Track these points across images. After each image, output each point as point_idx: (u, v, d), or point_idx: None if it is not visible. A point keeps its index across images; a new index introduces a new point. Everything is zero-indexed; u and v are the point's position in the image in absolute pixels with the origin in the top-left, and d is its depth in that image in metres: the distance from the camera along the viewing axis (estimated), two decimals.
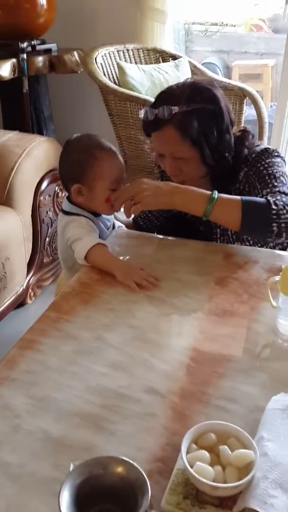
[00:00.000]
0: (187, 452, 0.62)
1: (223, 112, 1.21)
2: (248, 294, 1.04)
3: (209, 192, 1.13)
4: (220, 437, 0.64)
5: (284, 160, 1.27)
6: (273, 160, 1.24)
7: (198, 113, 1.17)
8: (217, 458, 0.62)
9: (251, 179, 1.25)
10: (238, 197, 1.12)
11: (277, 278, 0.92)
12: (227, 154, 1.23)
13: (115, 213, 1.27)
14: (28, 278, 2.06)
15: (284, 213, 1.09)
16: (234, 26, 4.36)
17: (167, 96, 1.21)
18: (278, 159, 1.25)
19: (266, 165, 1.23)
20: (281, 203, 1.10)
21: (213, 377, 0.82)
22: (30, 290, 2.09)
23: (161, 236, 1.31)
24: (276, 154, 1.26)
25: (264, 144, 1.29)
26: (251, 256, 1.18)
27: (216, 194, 1.12)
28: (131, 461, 0.53)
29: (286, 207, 1.10)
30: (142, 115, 1.21)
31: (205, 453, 0.61)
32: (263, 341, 0.93)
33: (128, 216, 1.19)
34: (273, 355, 0.89)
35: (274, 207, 1.09)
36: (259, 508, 0.55)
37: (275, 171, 1.21)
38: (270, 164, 1.23)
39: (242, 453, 0.60)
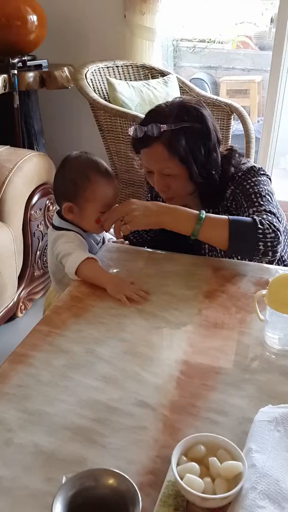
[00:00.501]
0: (177, 464, 0.63)
1: (210, 131, 1.24)
2: (236, 307, 1.06)
3: (197, 212, 1.16)
4: (210, 449, 0.65)
5: (269, 178, 1.31)
6: (259, 178, 1.27)
7: (186, 132, 1.20)
8: (206, 470, 0.63)
9: (237, 197, 1.28)
10: (225, 217, 1.15)
11: (265, 291, 0.94)
12: (214, 172, 1.26)
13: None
14: (18, 291, 2.07)
15: (270, 232, 1.12)
16: (222, 43, 4.45)
17: (156, 114, 1.24)
18: (264, 177, 1.28)
19: (252, 184, 1.25)
20: (267, 222, 1.13)
21: (202, 390, 0.83)
22: (20, 304, 2.09)
23: (151, 250, 1.33)
24: (262, 172, 1.29)
25: (251, 161, 1.32)
26: (239, 269, 1.20)
27: (203, 214, 1.15)
28: (122, 473, 0.54)
29: (272, 226, 1.13)
30: (132, 133, 1.23)
31: (195, 465, 0.62)
32: (251, 354, 0.95)
33: (118, 237, 1.22)
34: (261, 368, 0.91)
35: (260, 226, 1.12)
36: None
37: (260, 189, 1.24)
38: (256, 183, 1.25)
39: (230, 465, 0.62)
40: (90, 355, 0.91)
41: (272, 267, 1.23)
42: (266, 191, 1.24)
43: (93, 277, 1.13)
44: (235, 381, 0.86)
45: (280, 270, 1.20)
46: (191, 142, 1.21)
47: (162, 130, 1.18)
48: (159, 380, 0.85)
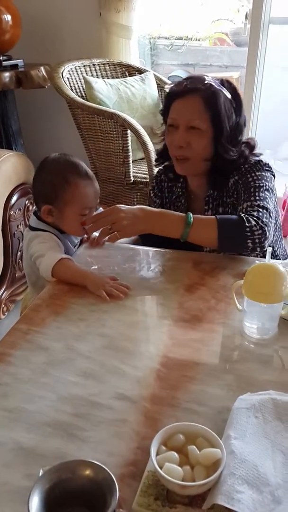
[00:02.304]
0: (157, 454, 0.63)
1: (242, 109, 1.29)
2: (216, 299, 1.07)
3: (184, 215, 1.17)
4: (189, 438, 0.66)
5: (273, 175, 1.32)
6: (263, 173, 1.28)
7: (225, 96, 1.24)
8: (186, 458, 0.64)
9: (239, 188, 1.29)
10: (213, 217, 1.16)
11: (242, 282, 0.94)
12: (235, 144, 1.28)
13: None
14: (0, 293, 2.05)
15: (257, 229, 1.13)
16: (199, 40, 4.47)
17: (198, 76, 1.27)
18: (268, 174, 1.29)
19: (255, 177, 1.27)
20: (254, 219, 1.15)
21: (182, 381, 0.84)
22: (2, 305, 2.08)
23: (132, 246, 1.33)
24: (266, 168, 1.30)
25: (262, 156, 1.34)
26: (219, 262, 1.21)
27: (191, 218, 1.16)
28: (98, 463, 0.54)
29: (259, 222, 1.14)
30: (172, 84, 1.26)
31: (174, 454, 0.63)
32: (231, 344, 0.95)
33: (100, 241, 1.23)
34: (240, 357, 0.92)
35: (247, 224, 1.13)
36: (227, 504, 0.57)
37: (262, 184, 1.25)
38: (260, 177, 1.27)
39: (209, 452, 0.62)
40: (70, 351, 0.91)
41: (251, 258, 1.24)
42: (267, 187, 1.26)
43: (71, 276, 1.12)
44: (215, 371, 0.86)
45: (258, 261, 1.21)
46: (226, 107, 1.24)
47: (205, 82, 1.22)
48: (140, 373, 0.85)
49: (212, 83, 1.23)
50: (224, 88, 1.25)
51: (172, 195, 1.46)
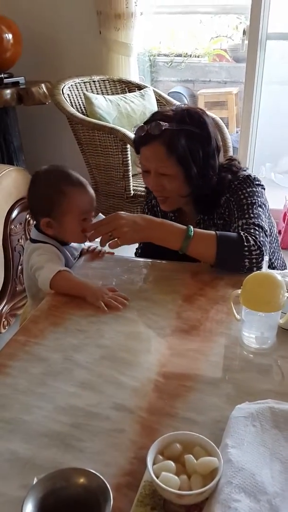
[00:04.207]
0: (154, 463, 0.63)
1: (210, 137, 1.26)
2: (215, 310, 1.07)
3: (185, 228, 1.17)
4: (186, 447, 0.65)
5: (264, 188, 1.32)
6: (253, 189, 1.28)
7: (187, 134, 1.22)
8: (183, 467, 0.63)
9: (231, 205, 1.29)
10: (213, 233, 1.17)
11: (239, 291, 0.94)
12: (210, 177, 1.27)
13: None
14: (0, 307, 2.05)
15: (255, 249, 1.14)
16: (198, 56, 4.54)
17: (160, 115, 1.27)
18: (259, 188, 1.29)
19: (246, 194, 1.27)
20: (253, 238, 1.15)
21: (180, 391, 0.83)
22: (3, 319, 2.08)
23: (130, 258, 1.33)
24: (257, 182, 1.30)
25: (248, 170, 1.34)
26: (217, 273, 1.21)
27: (192, 231, 1.16)
28: (92, 471, 0.54)
29: (257, 242, 1.15)
30: (134, 131, 1.26)
31: (171, 463, 0.62)
32: (230, 354, 0.95)
33: (103, 245, 1.22)
34: (239, 367, 0.91)
35: (246, 243, 1.14)
36: None
37: (254, 201, 1.26)
38: (251, 194, 1.27)
39: (206, 461, 0.62)
40: (68, 362, 0.90)
41: None
42: (259, 203, 1.26)
43: (69, 288, 1.12)
44: (213, 380, 0.86)
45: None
46: (190, 144, 1.22)
47: (163, 128, 1.20)
48: (137, 383, 0.85)
49: (169, 128, 1.20)
50: (186, 124, 1.22)
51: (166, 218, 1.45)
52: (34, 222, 1.27)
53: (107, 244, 1.21)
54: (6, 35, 2.53)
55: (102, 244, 1.20)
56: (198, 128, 1.23)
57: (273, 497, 0.59)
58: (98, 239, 1.22)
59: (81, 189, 1.20)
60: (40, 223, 1.21)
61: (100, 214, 1.26)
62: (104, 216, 1.23)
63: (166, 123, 1.20)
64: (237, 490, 0.59)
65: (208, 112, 1.34)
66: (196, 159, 1.23)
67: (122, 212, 1.19)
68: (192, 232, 1.16)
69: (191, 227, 1.17)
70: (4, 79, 2.57)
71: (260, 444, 0.66)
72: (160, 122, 1.20)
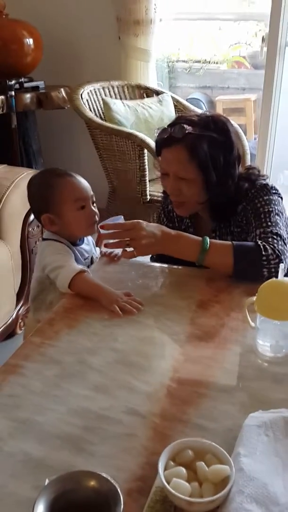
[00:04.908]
0: (165, 469, 0.63)
1: (233, 146, 1.26)
2: (229, 317, 1.06)
3: (201, 239, 1.16)
4: (198, 454, 0.65)
5: (281, 197, 1.31)
6: (270, 197, 1.27)
7: (210, 140, 1.21)
8: (194, 474, 0.63)
9: (248, 214, 1.28)
10: (229, 243, 1.16)
11: (254, 298, 0.94)
12: (228, 186, 1.26)
13: None
14: (17, 308, 2.07)
15: (274, 258, 1.13)
16: (217, 63, 4.54)
17: (184, 119, 1.27)
18: (275, 197, 1.28)
19: (263, 203, 1.26)
20: (271, 247, 1.14)
21: (193, 397, 0.83)
22: (19, 320, 2.09)
23: (146, 263, 1.33)
24: (274, 191, 1.29)
25: (267, 180, 1.33)
26: (232, 280, 1.20)
27: (208, 243, 1.15)
28: (103, 474, 0.54)
29: (276, 251, 1.14)
30: (157, 133, 1.26)
31: (182, 470, 0.62)
32: (244, 361, 0.94)
33: (122, 247, 1.20)
34: (253, 375, 0.90)
35: (264, 252, 1.13)
36: None
37: (271, 209, 1.24)
38: (268, 202, 1.26)
39: (218, 468, 0.61)
40: (82, 365, 0.91)
41: None
42: (276, 211, 1.25)
43: (87, 290, 1.13)
44: (227, 388, 0.85)
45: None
46: (212, 150, 1.22)
47: (186, 131, 1.20)
48: (150, 388, 0.85)
49: (193, 132, 1.20)
50: (210, 130, 1.21)
51: (181, 225, 1.45)
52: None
53: (122, 252, 1.21)
54: (27, 40, 2.57)
55: (117, 246, 1.19)
56: (221, 136, 1.23)
57: (286, 507, 0.59)
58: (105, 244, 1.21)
59: (67, 178, 1.23)
60: (42, 222, 1.24)
61: (121, 216, 1.25)
62: (123, 219, 1.22)
63: (189, 127, 1.20)
64: (248, 500, 0.58)
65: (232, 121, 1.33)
66: (216, 166, 1.23)
67: (143, 222, 1.17)
68: (208, 244, 1.15)
69: (207, 238, 1.16)
70: (24, 83, 2.61)
71: (272, 453, 0.66)
72: (184, 125, 1.20)
